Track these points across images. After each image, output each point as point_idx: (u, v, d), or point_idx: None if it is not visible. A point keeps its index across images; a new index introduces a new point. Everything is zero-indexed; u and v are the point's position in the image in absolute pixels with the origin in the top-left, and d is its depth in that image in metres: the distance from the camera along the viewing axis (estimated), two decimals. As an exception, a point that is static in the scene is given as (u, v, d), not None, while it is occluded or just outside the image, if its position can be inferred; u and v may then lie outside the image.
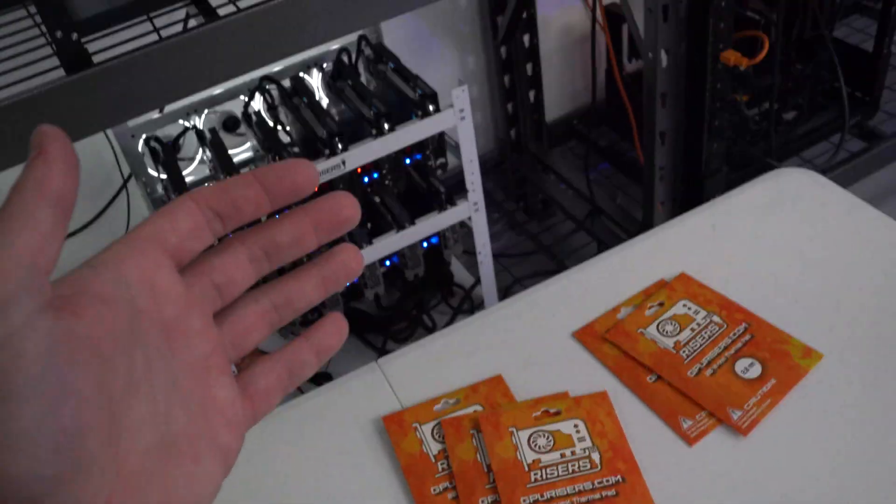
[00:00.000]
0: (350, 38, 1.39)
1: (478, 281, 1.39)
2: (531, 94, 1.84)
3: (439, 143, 1.26)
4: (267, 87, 1.34)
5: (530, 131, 1.88)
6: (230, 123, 1.42)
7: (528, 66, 1.80)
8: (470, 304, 1.43)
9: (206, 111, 1.39)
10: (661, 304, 0.79)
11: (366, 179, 1.26)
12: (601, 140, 1.84)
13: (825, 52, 1.72)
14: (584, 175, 1.66)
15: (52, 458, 0.25)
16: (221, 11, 0.94)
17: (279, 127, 1.32)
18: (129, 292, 0.30)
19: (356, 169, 1.22)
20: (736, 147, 1.64)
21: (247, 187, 0.33)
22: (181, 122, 1.38)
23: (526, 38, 1.77)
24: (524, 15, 1.72)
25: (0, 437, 0.24)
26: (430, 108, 1.19)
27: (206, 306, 0.34)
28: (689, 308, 0.77)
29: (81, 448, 0.26)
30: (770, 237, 0.91)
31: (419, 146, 1.25)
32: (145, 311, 0.30)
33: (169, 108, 1.36)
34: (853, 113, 1.86)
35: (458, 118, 1.20)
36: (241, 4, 0.94)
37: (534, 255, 1.76)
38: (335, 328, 0.38)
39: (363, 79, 1.38)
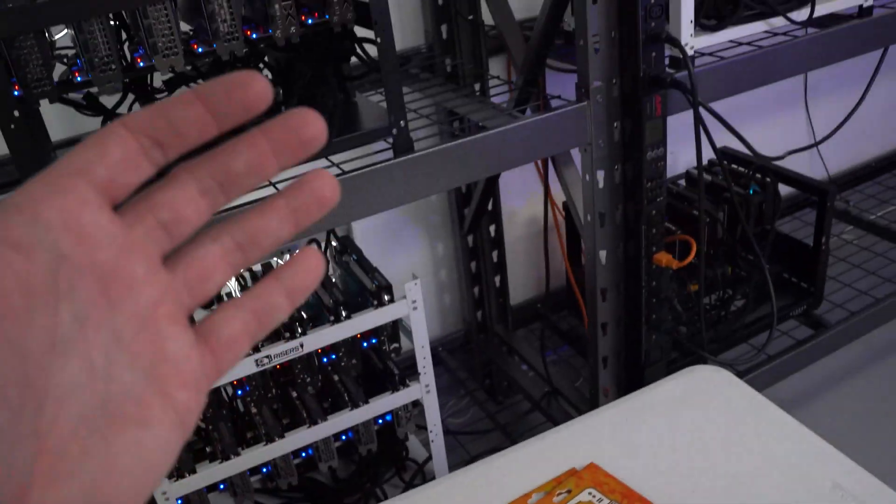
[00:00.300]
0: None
1: (431, 457, 1.45)
2: (496, 279, 1.96)
3: (393, 330, 1.36)
4: (242, 272, 1.46)
5: (496, 314, 1.98)
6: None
7: (494, 254, 1.93)
8: (422, 479, 1.48)
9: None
10: (568, 492, 0.87)
11: (325, 360, 1.34)
12: (562, 324, 1.94)
13: (767, 247, 1.86)
14: (541, 357, 1.74)
15: None
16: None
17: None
18: (48, 236, 0.26)
19: (316, 350, 1.31)
20: (686, 336, 1.74)
21: (187, 107, 0.29)
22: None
23: (492, 228, 1.91)
24: (489, 207, 1.87)
25: None
26: (385, 298, 1.30)
27: (151, 248, 0.30)
28: (594, 496, 0.84)
29: None
30: (678, 431, 1.00)
31: (375, 331, 1.35)
32: (71, 258, 0.27)
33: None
34: (799, 302, 1.98)
35: (411, 308, 1.30)
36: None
37: (492, 432, 1.83)
38: (309, 264, 0.33)
39: (330, 268, 1.49)
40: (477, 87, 1.71)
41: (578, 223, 1.41)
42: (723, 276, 1.84)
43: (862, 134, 2.68)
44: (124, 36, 1.09)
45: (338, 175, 1.11)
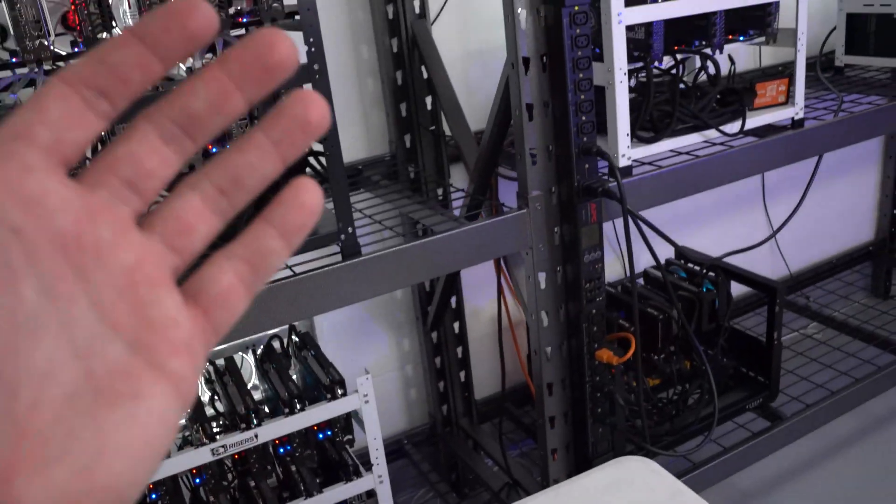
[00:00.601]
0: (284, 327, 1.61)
1: (386, 549, 1.49)
2: (461, 374, 2.03)
3: (346, 422, 1.43)
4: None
5: (461, 408, 2.05)
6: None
7: (458, 349, 2.01)
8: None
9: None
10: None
11: (281, 450, 1.41)
12: (525, 418, 2.00)
13: (719, 343, 1.94)
14: (501, 450, 1.80)
15: None
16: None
17: (213, 401, 1.49)
18: None
19: (274, 440, 1.38)
20: (641, 429, 1.81)
21: (124, 48, 0.26)
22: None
23: (456, 324, 1.99)
24: (453, 305, 1.96)
25: None
26: (338, 391, 1.37)
27: (119, 210, 0.27)
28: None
29: None
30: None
31: (329, 423, 1.41)
32: (24, 230, 0.24)
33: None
34: (755, 395, 2.04)
35: (363, 402, 1.37)
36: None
37: (452, 525, 1.87)
38: (302, 198, 0.30)
39: (294, 361, 1.57)
40: (440, 192, 1.83)
41: (529, 319, 1.50)
42: (679, 371, 1.92)
43: (822, 233, 2.79)
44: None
45: (288, 277, 1.20)
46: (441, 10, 1.79)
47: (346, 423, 1.44)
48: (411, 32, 1.74)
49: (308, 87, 1.19)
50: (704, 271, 2.00)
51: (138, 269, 0.27)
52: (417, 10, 1.74)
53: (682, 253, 2.20)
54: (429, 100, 1.79)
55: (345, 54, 1.79)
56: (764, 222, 2.60)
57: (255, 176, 0.29)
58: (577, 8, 1.27)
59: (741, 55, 2.37)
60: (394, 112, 1.79)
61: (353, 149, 1.83)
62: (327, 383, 1.38)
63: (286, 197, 0.30)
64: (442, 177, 1.82)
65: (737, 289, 2.32)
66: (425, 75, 1.75)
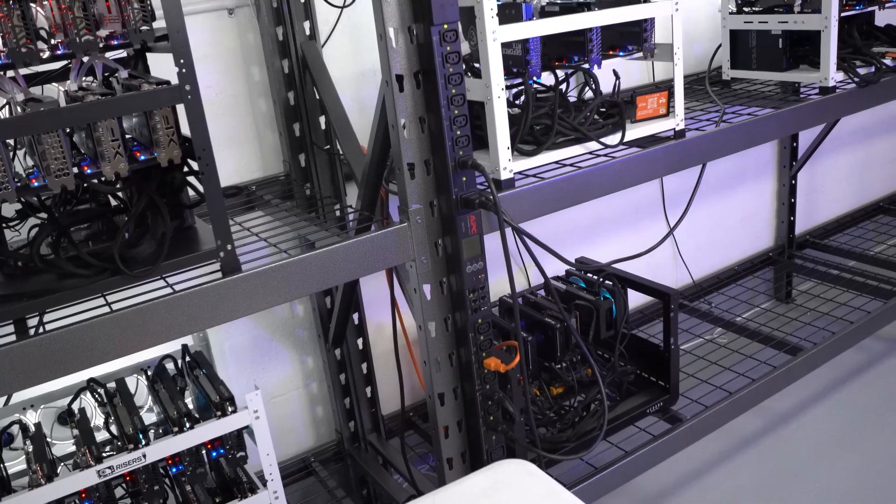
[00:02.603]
0: (175, 346, 1.61)
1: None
2: (367, 390, 2.05)
3: (238, 439, 1.43)
4: (95, 388, 1.53)
5: (368, 424, 2.06)
6: (64, 418, 1.58)
7: (363, 366, 2.03)
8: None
9: (41, 406, 1.56)
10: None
11: (174, 470, 1.40)
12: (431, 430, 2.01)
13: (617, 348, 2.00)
14: (405, 464, 1.82)
15: None
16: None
17: (108, 424, 1.48)
18: None
19: (166, 461, 1.37)
20: (546, 436, 1.85)
21: None
22: (16, 414, 1.54)
23: (359, 340, 2.01)
24: (356, 321, 1.97)
25: None
26: (228, 408, 1.38)
27: None
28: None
29: None
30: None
31: (221, 441, 1.42)
32: None
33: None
34: (656, 399, 2.10)
35: (253, 417, 1.38)
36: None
37: (358, 541, 1.88)
38: None
39: (188, 380, 1.57)
40: (338, 210, 1.85)
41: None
42: (579, 379, 1.96)
43: (723, 240, 2.89)
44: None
45: (168, 295, 1.21)
46: (331, 31, 1.82)
47: (239, 440, 1.44)
48: (301, 54, 1.76)
49: (180, 108, 1.21)
50: (601, 280, 2.06)
51: None
52: (308, 32, 1.77)
53: (580, 262, 2.26)
54: (322, 119, 1.82)
55: (236, 76, 1.81)
56: (665, 231, 2.68)
57: None
58: (446, 26, 1.31)
59: (633, 72, 2.46)
60: (287, 132, 1.81)
61: (248, 169, 1.85)
62: (217, 401, 1.39)
63: None
64: (337, 195, 1.85)
65: (642, 297, 2.40)
66: (317, 96, 1.78)
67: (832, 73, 2.04)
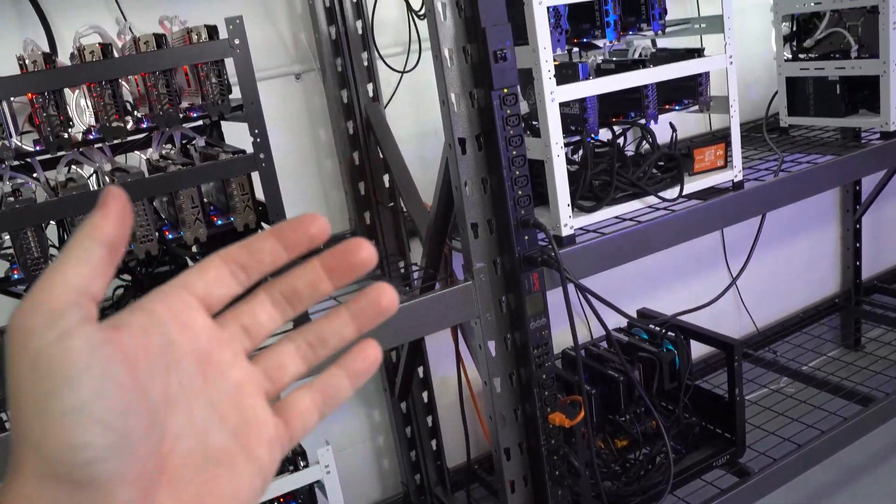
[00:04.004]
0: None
1: None
2: (432, 443, 2.07)
3: (310, 493, 1.47)
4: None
5: (433, 477, 2.08)
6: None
7: (428, 419, 2.05)
8: None
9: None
10: None
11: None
12: (497, 483, 2.02)
13: (682, 400, 1.99)
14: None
15: (102, 431, 0.32)
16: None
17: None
18: (161, 326, 0.37)
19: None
20: (612, 490, 1.84)
21: (264, 241, 0.40)
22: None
23: (424, 394, 2.04)
24: (420, 374, 2.01)
25: (59, 412, 0.32)
26: (301, 463, 1.42)
27: (237, 344, 0.40)
28: None
29: (125, 424, 0.33)
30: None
31: (293, 495, 1.45)
32: (178, 343, 0.37)
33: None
34: (722, 452, 2.08)
35: (324, 472, 1.42)
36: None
37: None
38: (366, 353, 0.43)
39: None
40: (402, 266, 1.89)
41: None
42: (644, 432, 1.96)
43: (787, 288, 2.86)
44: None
45: (243, 355, 1.26)
46: (393, 93, 1.89)
47: (311, 494, 1.48)
48: (365, 115, 1.83)
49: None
50: (664, 331, 2.06)
51: (244, 385, 0.40)
52: (371, 95, 1.84)
53: (643, 314, 2.27)
54: (386, 178, 1.87)
55: (304, 138, 1.88)
56: (727, 280, 2.66)
57: (336, 338, 0.42)
58: (506, 90, 1.36)
59: (690, 121, 2.47)
60: (352, 191, 1.87)
61: (315, 228, 1.91)
62: (288, 455, 1.42)
63: (357, 349, 0.43)
64: (402, 252, 1.89)
65: (707, 348, 2.39)
66: (381, 155, 1.84)
67: (893, 118, 2.03)
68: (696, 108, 1.78)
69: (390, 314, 0.43)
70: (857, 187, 2.91)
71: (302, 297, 0.41)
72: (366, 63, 1.82)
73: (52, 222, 1.25)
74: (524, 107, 1.60)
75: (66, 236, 1.25)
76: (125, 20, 1.46)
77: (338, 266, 0.41)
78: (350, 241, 0.41)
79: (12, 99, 1.26)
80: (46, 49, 1.56)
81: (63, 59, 1.41)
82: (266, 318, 0.41)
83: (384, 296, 0.42)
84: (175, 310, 0.38)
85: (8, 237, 1.25)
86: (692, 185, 1.73)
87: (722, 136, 1.82)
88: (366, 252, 0.41)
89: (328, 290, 0.41)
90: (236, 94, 1.29)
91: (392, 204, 1.88)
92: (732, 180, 1.78)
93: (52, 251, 1.27)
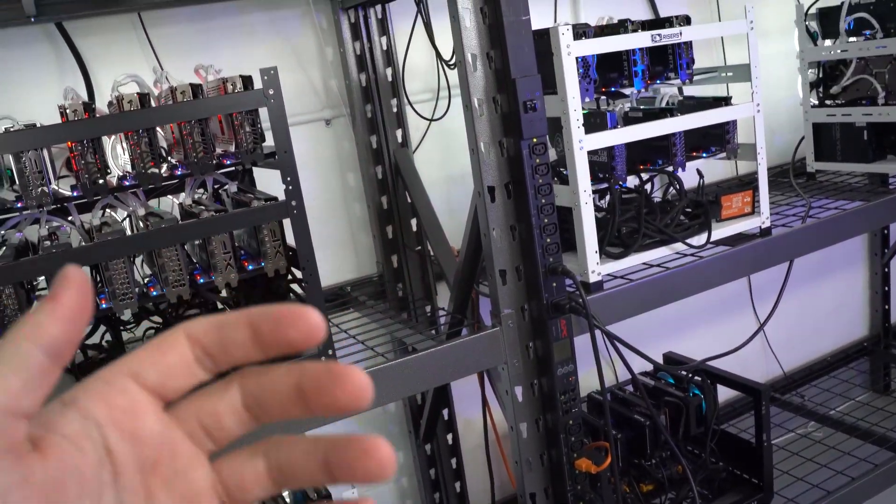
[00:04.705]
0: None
1: None
2: (456, 485, 2.06)
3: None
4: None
5: (457, 520, 2.07)
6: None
7: (453, 461, 2.05)
8: None
9: None
10: None
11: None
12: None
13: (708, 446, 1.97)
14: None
15: None
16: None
17: None
18: (96, 432, 0.30)
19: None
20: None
21: (237, 331, 0.32)
22: None
23: (449, 436, 2.04)
24: (445, 417, 2.01)
25: None
26: (326, 508, 1.42)
27: (196, 444, 0.33)
28: None
29: None
30: None
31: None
32: (117, 454, 0.30)
33: None
34: (750, 498, 2.05)
35: (349, 517, 1.42)
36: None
37: None
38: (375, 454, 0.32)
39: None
40: (429, 309, 1.91)
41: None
42: (670, 477, 1.94)
43: (814, 331, 2.84)
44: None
45: (272, 400, 1.27)
46: (422, 139, 1.91)
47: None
48: (394, 160, 1.85)
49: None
50: (691, 376, 2.05)
51: (197, 499, 0.33)
52: (399, 140, 1.87)
53: (669, 358, 2.26)
54: (413, 222, 1.89)
55: (333, 182, 1.91)
56: (754, 324, 2.65)
57: (306, 477, 0.34)
58: (535, 140, 1.37)
59: (716, 166, 2.48)
60: (380, 234, 1.89)
61: (342, 270, 1.93)
62: (315, 498, 1.43)
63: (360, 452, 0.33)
64: (428, 295, 1.90)
65: (732, 392, 2.37)
66: (409, 199, 1.86)
67: (921, 164, 2.03)
68: (724, 155, 1.79)
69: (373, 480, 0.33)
70: (886, 231, 2.90)
71: (270, 413, 0.34)
72: (395, 109, 1.85)
73: (86, 266, 1.28)
74: (552, 154, 1.61)
75: (99, 279, 1.27)
76: (162, 69, 1.49)
77: (316, 400, 0.33)
78: (340, 373, 0.32)
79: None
80: (85, 96, 1.60)
81: (101, 105, 1.44)
82: (233, 422, 0.34)
83: (377, 451, 0.32)
84: (116, 412, 0.31)
85: (43, 279, 1.28)
86: (720, 231, 1.73)
87: (748, 182, 1.82)
88: (359, 395, 0.32)
89: (298, 416, 0.34)
90: (268, 139, 1.31)
91: (419, 248, 1.90)
92: (760, 226, 1.79)
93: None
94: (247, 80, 1.31)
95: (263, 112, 1.29)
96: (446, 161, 1.99)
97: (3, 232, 1.36)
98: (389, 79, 1.84)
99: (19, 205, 1.24)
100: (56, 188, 1.29)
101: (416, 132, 1.91)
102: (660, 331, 2.47)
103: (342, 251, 1.94)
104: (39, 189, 1.24)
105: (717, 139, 1.78)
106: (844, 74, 2.20)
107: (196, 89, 1.30)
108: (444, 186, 1.98)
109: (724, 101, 1.71)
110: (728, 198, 1.78)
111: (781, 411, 2.63)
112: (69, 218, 1.39)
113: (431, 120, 1.88)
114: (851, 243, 2.89)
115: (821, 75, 2.26)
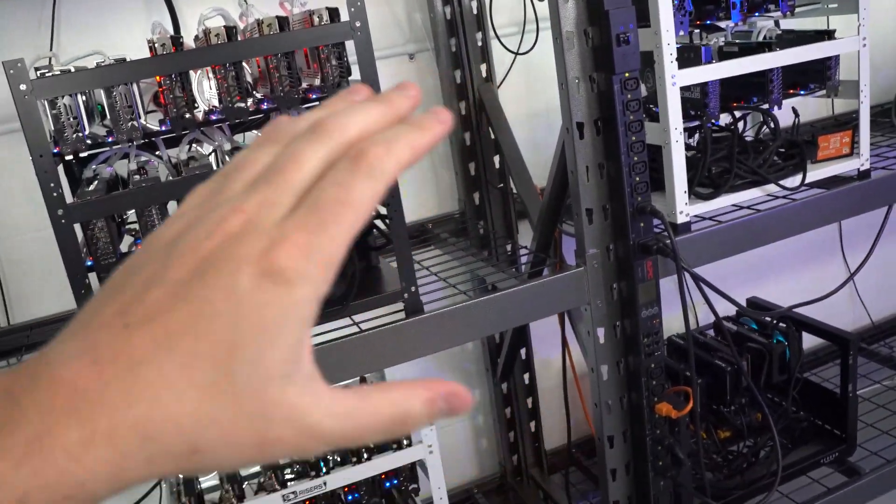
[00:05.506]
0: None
1: None
2: (531, 425, 2.07)
3: (412, 472, 1.49)
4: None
5: (531, 458, 2.08)
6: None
7: (528, 400, 2.05)
8: None
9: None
10: None
11: (349, 498, 1.48)
12: (594, 469, 2.01)
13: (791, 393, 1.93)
14: (568, 501, 1.83)
15: None
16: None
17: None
18: None
19: (343, 489, 1.45)
20: (712, 481, 1.80)
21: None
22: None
23: (525, 375, 2.03)
24: (523, 356, 2.00)
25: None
26: (404, 442, 1.44)
27: None
28: None
29: None
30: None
31: (396, 472, 1.48)
32: None
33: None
34: (831, 450, 2.01)
35: (427, 452, 1.43)
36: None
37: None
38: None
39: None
40: (509, 248, 1.89)
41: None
42: (749, 424, 1.91)
43: (907, 280, 2.73)
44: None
45: (355, 334, 1.28)
46: (507, 73, 1.87)
47: (412, 472, 1.50)
48: (478, 96, 1.82)
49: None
50: (775, 322, 1.99)
51: None
52: (484, 75, 1.83)
53: (753, 303, 2.20)
54: (496, 159, 1.86)
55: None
56: (843, 271, 2.56)
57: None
58: (627, 75, 1.33)
59: (811, 104, 2.37)
60: (462, 171, 1.87)
61: (424, 207, 1.92)
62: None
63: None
64: (510, 233, 1.89)
65: (816, 340, 2.30)
66: (492, 136, 1.83)
67: None
68: (823, 92, 1.70)
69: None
70: None
71: None
72: (480, 43, 1.81)
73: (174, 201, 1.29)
74: (642, 90, 1.56)
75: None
76: (247, 3, 1.48)
77: None
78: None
79: (139, 79, 1.30)
80: (172, 31, 1.61)
81: (188, 40, 1.44)
82: None
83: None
84: None
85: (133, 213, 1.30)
86: (815, 173, 1.66)
87: (846, 122, 1.74)
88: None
89: None
90: (354, 73, 1.29)
91: (502, 185, 1.87)
92: (858, 169, 1.71)
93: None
94: (333, 13, 1.29)
95: (350, 45, 1.27)
96: (532, 96, 1.94)
97: (94, 167, 1.38)
98: (475, 11, 1.79)
99: (110, 139, 1.26)
100: (145, 123, 1.30)
101: (500, 67, 1.87)
102: (744, 276, 2.41)
103: (424, 188, 1.92)
104: (129, 124, 1.25)
105: (816, 76, 1.69)
106: (957, 8, 2.06)
107: (282, 22, 1.29)
108: (528, 122, 1.94)
109: (827, 35, 1.62)
110: (825, 138, 1.71)
111: (868, 361, 2.55)
112: (157, 152, 1.41)
113: (518, 54, 1.83)
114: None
115: (931, 9, 2.13)
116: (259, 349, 0.32)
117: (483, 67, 1.82)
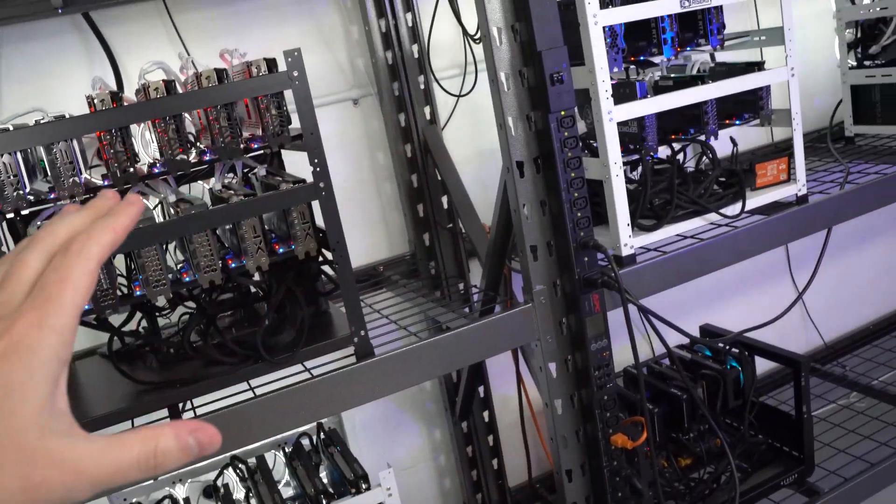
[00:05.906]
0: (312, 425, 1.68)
1: None
2: (494, 462, 2.07)
3: (373, 516, 1.48)
4: (237, 464, 1.61)
5: (495, 497, 2.08)
6: (209, 492, 1.67)
7: (489, 438, 2.05)
8: None
9: (188, 480, 1.65)
10: None
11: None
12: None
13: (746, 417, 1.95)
14: (533, 538, 1.82)
15: None
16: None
17: (248, 498, 1.56)
18: None
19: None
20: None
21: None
22: (167, 488, 1.64)
23: (485, 413, 2.04)
24: (481, 394, 2.01)
25: None
26: (363, 486, 1.43)
27: None
28: None
29: None
30: None
31: (357, 520, 1.47)
32: None
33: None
34: (790, 471, 2.03)
35: (386, 495, 1.43)
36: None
37: None
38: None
39: (323, 457, 1.64)
40: (462, 286, 1.90)
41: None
42: (708, 450, 1.93)
43: (856, 299, 2.79)
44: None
45: (307, 380, 1.28)
46: (450, 115, 1.90)
47: (373, 516, 1.49)
48: (423, 138, 1.84)
49: (315, 204, 1.29)
50: (728, 348, 2.02)
51: None
52: (428, 118, 1.86)
53: (706, 330, 2.23)
54: (444, 199, 1.88)
55: (362, 161, 1.90)
56: (792, 294, 2.61)
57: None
58: (563, 113, 1.36)
59: (751, 133, 2.43)
60: (411, 213, 1.89)
61: (375, 250, 1.93)
62: (351, 478, 1.44)
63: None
64: (461, 273, 1.90)
65: (771, 363, 2.33)
66: (439, 177, 1.85)
67: (965, 126, 1.97)
68: (758, 121, 1.75)
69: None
70: (928, 195, 2.82)
71: None
72: (422, 86, 1.84)
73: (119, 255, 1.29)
74: (581, 126, 1.59)
75: (133, 266, 1.29)
76: (188, 54, 1.49)
77: None
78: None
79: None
80: (114, 84, 1.61)
81: (129, 93, 1.45)
82: None
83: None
84: None
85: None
86: (755, 200, 1.70)
87: (784, 149, 1.79)
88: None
89: None
90: (295, 121, 1.31)
91: (451, 225, 1.89)
92: (796, 194, 1.75)
93: (121, 280, 1.31)
94: (271, 63, 1.30)
95: (289, 94, 1.28)
96: (476, 137, 1.97)
97: (38, 223, 1.37)
98: (416, 56, 1.82)
99: (52, 195, 1.25)
100: (88, 177, 1.30)
101: (444, 109, 1.90)
102: (696, 303, 2.44)
103: (373, 231, 1.94)
104: (71, 180, 1.25)
105: (750, 105, 1.74)
106: (884, 33, 2.14)
107: (221, 74, 1.30)
108: (474, 162, 1.97)
109: (757, 66, 1.67)
110: (763, 165, 1.75)
111: (822, 382, 2.59)
112: (102, 206, 1.40)
113: (459, 96, 1.86)
114: (893, 208, 2.82)
115: (859, 35, 2.21)
116: (11, 405, 0.39)
117: (427, 110, 1.85)
